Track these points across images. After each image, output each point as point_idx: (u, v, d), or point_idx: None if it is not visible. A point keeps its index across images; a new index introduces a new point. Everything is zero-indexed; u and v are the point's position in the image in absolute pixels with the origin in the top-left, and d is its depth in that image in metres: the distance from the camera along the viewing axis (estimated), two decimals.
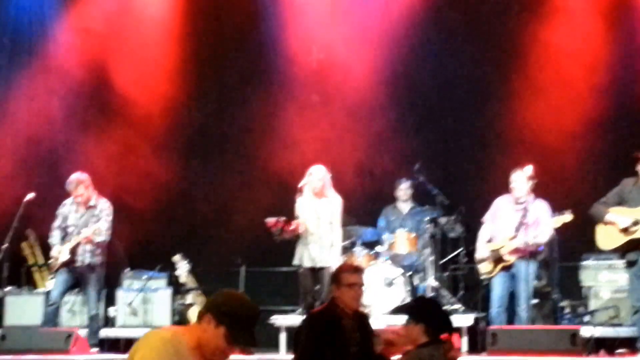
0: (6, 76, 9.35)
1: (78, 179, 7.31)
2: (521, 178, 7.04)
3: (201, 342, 2.95)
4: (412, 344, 4.21)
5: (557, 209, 7.06)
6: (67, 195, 7.53)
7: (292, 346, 7.10)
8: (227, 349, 2.93)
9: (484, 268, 7.19)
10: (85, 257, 7.25)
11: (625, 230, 6.50)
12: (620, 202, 6.61)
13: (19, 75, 9.36)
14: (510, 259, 7.03)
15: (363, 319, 4.69)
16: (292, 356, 6.23)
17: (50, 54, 9.45)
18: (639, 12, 8.46)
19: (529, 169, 7.00)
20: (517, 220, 7.07)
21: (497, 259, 7.08)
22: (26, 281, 8.61)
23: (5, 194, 8.45)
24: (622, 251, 6.65)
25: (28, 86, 9.37)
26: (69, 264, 7.23)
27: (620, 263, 7.57)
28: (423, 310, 4.29)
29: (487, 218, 7.32)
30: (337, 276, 4.65)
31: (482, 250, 7.22)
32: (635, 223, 6.47)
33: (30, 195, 7.53)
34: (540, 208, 6.97)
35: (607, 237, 6.65)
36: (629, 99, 8.49)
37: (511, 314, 7.13)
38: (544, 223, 6.91)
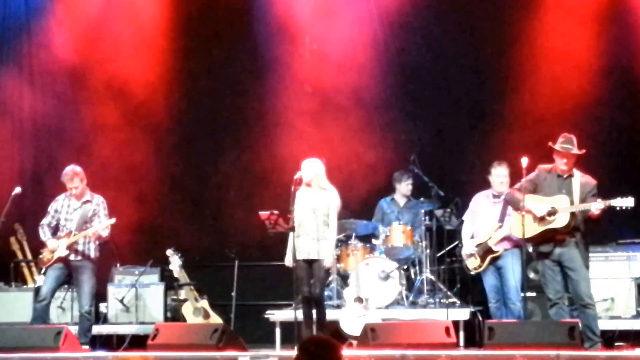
0: None
1: (73, 170, 7.25)
2: (506, 172, 7.14)
3: None
4: None
5: None
6: (57, 189, 7.41)
7: (287, 341, 7.06)
8: None
9: (471, 263, 7.18)
10: (89, 251, 7.15)
11: (541, 220, 6.31)
12: (535, 189, 6.45)
13: (6, 67, 9.23)
14: (499, 249, 7.04)
15: None
16: (288, 351, 6.14)
17: (39, 43, 9.31)
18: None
19: (505, 165, 7.13)
20: (499, 211, 7.13)
21: (485, 252, 7.07)
22: (15, 277, 8.46)
23: None
24: (536, 241, 6.43)
25: (14, 78, 9.23)
26: (63, 260, 7.11)
27: (617, 255, 7.54)
28: None
29: (467, 216, 7.36)
30: None
31: (468, 245, 7.21)
32: (551, 213, 6.27)
33: (17, 190, 7.42)
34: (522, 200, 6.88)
35: (521, 225, 6.41)
36: (625, 85, 8.45)
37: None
38: None
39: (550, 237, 6.34)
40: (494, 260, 7.08)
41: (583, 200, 6.32)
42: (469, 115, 8.82)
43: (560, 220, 6.27)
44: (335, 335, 7.03)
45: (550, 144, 6.44)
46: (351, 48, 8.75)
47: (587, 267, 6.42)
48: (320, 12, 8.88)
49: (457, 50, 8.82)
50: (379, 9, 8.90)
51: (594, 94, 8.30)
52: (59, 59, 9.22)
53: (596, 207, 6.18)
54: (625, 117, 8.45)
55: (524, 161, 6.60)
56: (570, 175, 6.42)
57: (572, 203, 6.29)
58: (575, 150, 6.40)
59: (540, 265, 6.49)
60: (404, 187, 8.34)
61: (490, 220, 7.14)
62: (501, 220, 7.09)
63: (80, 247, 7.15)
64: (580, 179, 6.40)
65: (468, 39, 8.80)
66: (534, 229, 6.36)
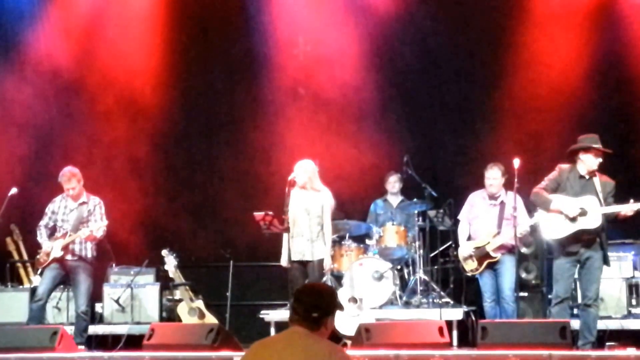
0: None
1: (71, 171, 7.27)
2: (497, 174, 7.11)
3: None
4: None
5: None
6: (54, 189, 7.43)
7: None
8: None
9: (469, 266, 7.16)
10: (86, 251, 7.17)
11: (573, 220, 6.30)
12: (556, 189, 6.43)
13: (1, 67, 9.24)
14: (497, 255, 7.03)
15: None
16: None
17: (34, 44, 9.32)
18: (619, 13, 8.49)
19: (501, 166, 7.09)
20: (496, 215, 7.11)
21: (483, 256, 7.06)
22: (11, 277, 8.48)
23: None
24: (567, 243, 6.35)
25: (9, 79, 9.24)
26: (59, 260, 7.14)
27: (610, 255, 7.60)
28: None
29: (463, 216, 7.33)
30: None
31: (464, 248, 7.19)
32: (582, 213, 6.28)
33: (13, 190, 7.43)
34: (514, 200, 6.88)
35: (551, 226, 6.41)
36: (617, 84, 8.51)
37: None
38: (521, 214, 6.89)
39: (579, 238, 6.32)
40: (491, 264, 7.10)
41: (605, 200, 6.32)
42: (462, 117, 8.87)
43: (593, 222, 6.26)
44: (331, 335, 7.07)
45: (583, 144, 6.33)
46: (344, 50, 8.79)
47: (608, 264, 6.44)
48: (313, 14, 8.91)
49: (449, 53, 8.88)
50: (371, 12, 8.94)
51: (586, 95, 8.37)
52: (54, 56, 9.23)
53: (630, 208, 6.20)
54: (621, 117, 8.52)
55: (516, 162, 6.65)
56: (592, 176, 6.40)
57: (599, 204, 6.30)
58: (606, 150, 6.38)
59: (557, 261, 6.47)
60: (390, 186, 8.40)
61: (488, 225, 7.11)
62: (499, 225, 7.05)
63: (76, 248, 7.16)
64: (600, 179, 6.38)
65: (460, 42, 8.85)
66: (566, 229, 6.33)
